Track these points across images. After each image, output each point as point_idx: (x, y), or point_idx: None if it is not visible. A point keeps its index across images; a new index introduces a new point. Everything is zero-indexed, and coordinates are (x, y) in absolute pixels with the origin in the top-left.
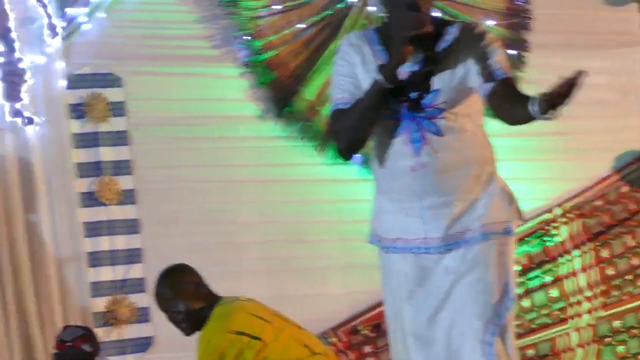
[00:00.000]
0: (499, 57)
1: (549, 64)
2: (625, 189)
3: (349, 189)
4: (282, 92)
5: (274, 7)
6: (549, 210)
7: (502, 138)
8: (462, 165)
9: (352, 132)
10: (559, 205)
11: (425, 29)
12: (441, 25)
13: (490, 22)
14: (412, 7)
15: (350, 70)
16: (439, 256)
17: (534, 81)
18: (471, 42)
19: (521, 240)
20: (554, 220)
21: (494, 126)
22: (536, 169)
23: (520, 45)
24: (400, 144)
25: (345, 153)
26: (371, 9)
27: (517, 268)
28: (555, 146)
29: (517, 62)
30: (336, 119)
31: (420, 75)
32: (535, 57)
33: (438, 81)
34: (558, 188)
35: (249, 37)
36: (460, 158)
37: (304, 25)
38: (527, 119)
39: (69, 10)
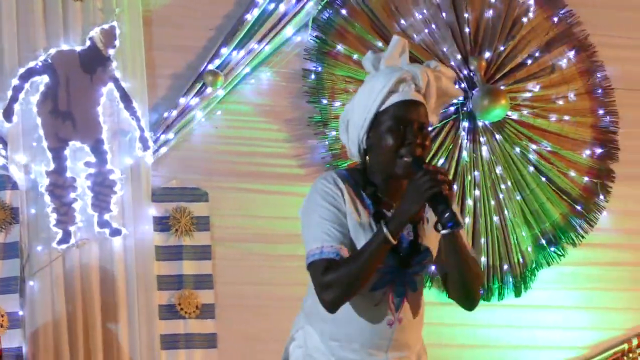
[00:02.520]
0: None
1: (634, 195)
2: None
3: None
4: None
5: None
6: (628, 341)
7: (583, 267)
8: (419, 320)
9: (351, 285)
10: (637, 335)
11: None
12: None
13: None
14: (423, 167)
15: (338, 218)
16: None
17: (619, 212)
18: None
19: None
20: (631, 351)
21: (575, 254)
22: (615, 299)
23: (606, 175)
24: (379, 296)
25: (337, 304)
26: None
27: None
28: (637, 276)
29: (603, 192)
30: (329, 270)
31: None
32: (620, 188)
33: (426, 239)
34: (637, 318)
35: (336, 157)
36: (420, 313)
37: None
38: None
39: (161, 125)
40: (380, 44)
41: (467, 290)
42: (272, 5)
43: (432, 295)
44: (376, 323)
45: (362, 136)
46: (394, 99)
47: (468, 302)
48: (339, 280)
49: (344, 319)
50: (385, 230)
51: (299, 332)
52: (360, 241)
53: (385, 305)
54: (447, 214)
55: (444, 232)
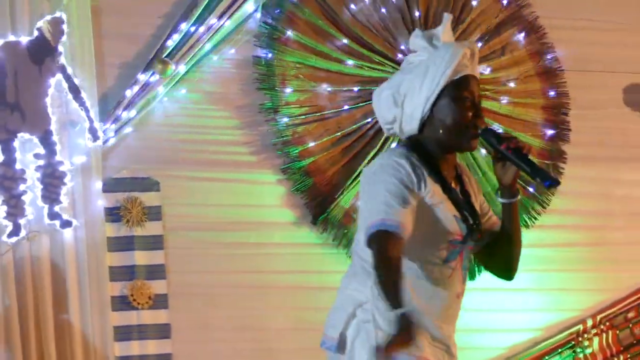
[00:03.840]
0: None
1: (587, 177)
2: (631, 314)
3: None
4: (318, 199)
5: (313, 114)
6: (582, 322)
7: (536, 249)
8: None
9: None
10: (591, 316)
11: None
12: None
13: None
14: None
15: (404, 194)
16: None
17: (571, 193)
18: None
19: (553, 350)
20: (585, 332)
21: (528, 236)
22: (569, 280)
23: (558, 156)
24: (452, 268)
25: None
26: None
27: None
28: (590, 257)
29: (555, 173)
30: (390, 242)
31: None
32: (573, 169)
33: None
34: (590, 299)
35: (287, 144)
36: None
37: (342, 133)
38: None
39: (110, 115)
40: (331, 29)
41: (515, 259)
42: None
43: None
44: (450, 295)
45: (427, 109)
46: (461, 72)
47: (511, 272)
48: (375, 268)
49: (422, 289)
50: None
51: (365, 307)
52: (447, 218)
53: (456, 278)
54: (543, 173)
55: (511, 200)
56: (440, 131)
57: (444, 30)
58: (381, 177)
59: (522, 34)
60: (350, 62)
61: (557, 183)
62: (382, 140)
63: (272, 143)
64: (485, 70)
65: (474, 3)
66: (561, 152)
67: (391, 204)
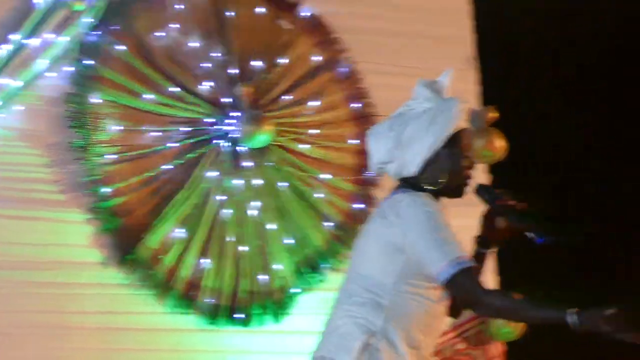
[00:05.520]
0: None
1: None
2: (460, 345)
3: (188, 339)
4: (126, 239)
5: (123, 154)
6: None
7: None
8: None
9: (506, 315)
10: None
11: None
12: None
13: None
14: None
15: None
16: None
17: None
18: None
19: None
20: None
21: (336, 280)
22: None
23: (369, 201)
24: (442, 307)
25: (485, 312)
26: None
27: None
28: None
29: (363, 217)
30: (472, 278)
31: None
32: None
33: None
34: None
35: (97, 183)
36: None
37: (152, 174)
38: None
39: None
40: (146, 70)
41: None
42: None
43: (191, 322)
44: (440, 330)
45: (430, 155)
46: (460, 125)
47: (459, 314)
48: (506, 302)
49: (424, 325)
50: (571, 320)
51: (377, 337)
52: None
53: (444, 314)
54: (537, 229)
55: (489, 250)
56: (439, 177)
57: (448, 84)
58: (435, 222)
59: (338, 79)
60: (164, 102)
61: (554, 240)
62: (193, 181)
63: (81, 182)
64: (300, 114)
65: (292, 46)
66: (372, 196)
67: (458, 244)
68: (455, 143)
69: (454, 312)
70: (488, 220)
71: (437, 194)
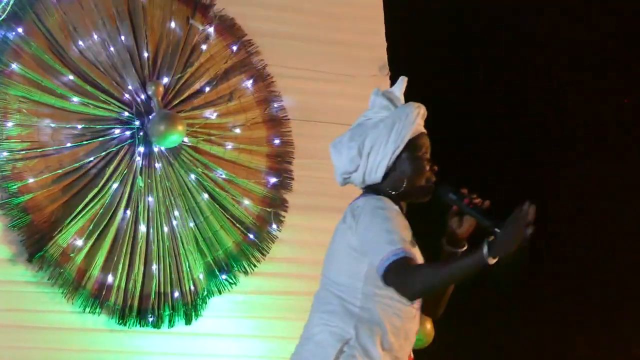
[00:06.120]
0: None
1: (307, 226)
2: None
3: (98, 339)
4: (35, 236)
5: (34, 150)
6: None
7: (255, 295)
8: None
9: (436, 289)
10: None
11: None
12: None
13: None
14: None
15: (407, 227)
16: None
17: (291, 241)
18: None
19: None
20: None
21: (247, 283)
22: (290, 328)
23: (280, 204)
24: (414, 310)
25: (418, 297)
26: None
27: None
28: (305, 306)
29: (276, 222)
30: (412, 265)
31: None
32: (293, 218)
33: None
34: None
35: (6, 179)
36: None
37: (64, 171)
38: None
39: None
40: (57, 65)
41: (447, 299)
42: None
43: (100, 322)
44: (414, 333)
45: (392, 161)
46: (419, 130)
47: (440, 310)
48: (428, 281)
49: (397, 328)
50: (486, 249)
51: (351, 344)
52: (418, 257)
53: (417, 317)
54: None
55: (458, 249)
56: (403, 182)
57: (401, 92)
58: (381, 217)
59: (251, 81)
60: (75, 99)
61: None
62: (104, 180)
63: None
64: (212, 115)
65: (204, 47)
66: (283, 201)
67: (402, 237)
68: (415, 148)
69: (430, 310)
70: (455, 219)
71: (402, 199)
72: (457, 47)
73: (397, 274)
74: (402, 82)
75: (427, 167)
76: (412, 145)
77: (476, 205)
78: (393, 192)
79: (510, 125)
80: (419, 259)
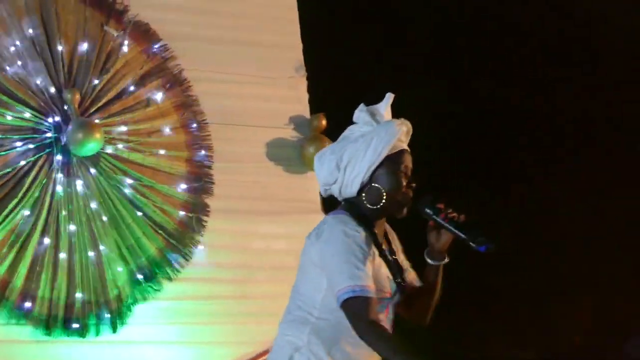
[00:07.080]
0: None
1: (228, 230)
2: None
3: (23, 350)
4: None
5: None
6: None
7: (180, 301)
8: None
9: (381, 351)
10: None
11: None
12: None
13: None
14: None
15: (365, 257)
16: None
17: (213, 246)
18: None
19: None
20: None
21: (172, 289)
22: (215, 333)
23: (201, 209)
24: (383, 314)
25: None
26: None
27: None
28: (233, 310)
29: (198, 227)
30: (372, 313)
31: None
32: (215, 222)
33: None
34: (237, 351)
35: None
36: None
37: None
38: None
39: None
40: None
41: (433, 309)
42: None
43: (26, 333)
44: None
45: (368, 176)
46: (399, 146)
47: (427, 319)
48: (381, 340)
49: (353, 338)
50: None
51: (302, 351)
52: (382, 278)
53: (387, 323)
54: (478, 239)
55: (441, 262)
56: (382, 197)
57: (386, 108)
58: (342, 244)
59: (167, 86)
60: None
61: (494, 247)
62: (23, 190)
63: None
64: (130, 121)
65: (120, 53)
66: (204, 205)
67: (362, 269)
68: (393, 164)
69: (418, 319)
70: (433, 233)
71: (381, 213)
72: (374, 49)
73: (354, 316)
74: (389, 98)
75: (404, 183)
76: (389, 162)
77: (452, 219)
78: (371, 207)
79: (497, 120)
80: (383, 278)
